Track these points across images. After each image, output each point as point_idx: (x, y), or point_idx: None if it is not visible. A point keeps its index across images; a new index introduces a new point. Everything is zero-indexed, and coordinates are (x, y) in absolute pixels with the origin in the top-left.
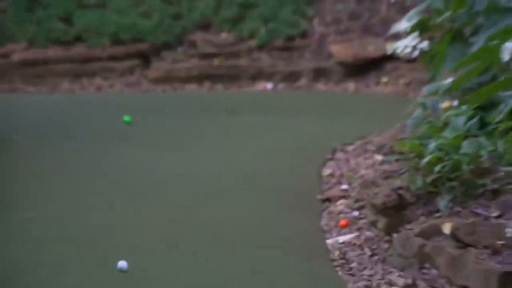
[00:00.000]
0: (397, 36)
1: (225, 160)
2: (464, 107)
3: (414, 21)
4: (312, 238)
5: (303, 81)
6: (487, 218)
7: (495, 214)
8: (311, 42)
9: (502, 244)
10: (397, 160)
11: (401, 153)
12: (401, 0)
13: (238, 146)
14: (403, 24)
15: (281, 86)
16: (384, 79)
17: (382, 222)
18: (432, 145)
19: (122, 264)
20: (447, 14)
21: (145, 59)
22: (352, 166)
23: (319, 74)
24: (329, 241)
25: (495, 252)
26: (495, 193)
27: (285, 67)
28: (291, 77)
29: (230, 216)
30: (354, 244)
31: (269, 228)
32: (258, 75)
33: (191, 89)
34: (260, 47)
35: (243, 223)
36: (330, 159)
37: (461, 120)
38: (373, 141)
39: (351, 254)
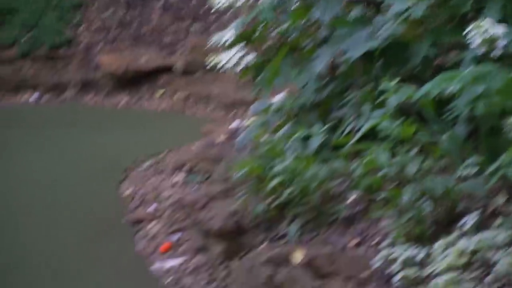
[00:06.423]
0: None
1: None
2: (314, 130)
3: (238, 32)
4: (133, 266)
5: (68, 94)
6: (344, 247)
7: (353, 243)
8: (77, 52)
9: (368, 275)
10: (206, 179)
11: (207, 173)
12: (176, 7)
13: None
14: (225, 35)
15: (45, 98)
16: (160, 92)
17: (216, 248)
18: (277, 168)
19: None
20: (285, 26)
21: None
22: (154, 186)
23: (86, 86)
24: (154, 267)
25: (360, 283)
26: (349, 220)
27: (49, 78)
28: (56, 89)
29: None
30: (185, 270)
31: (79, 262)
32: (20, 86)
33: None
34: (23, 56)
35: (45, 261)
36: (124, 179)
37: (311, 141)
38: (168, 159)
39: (186, 281)
